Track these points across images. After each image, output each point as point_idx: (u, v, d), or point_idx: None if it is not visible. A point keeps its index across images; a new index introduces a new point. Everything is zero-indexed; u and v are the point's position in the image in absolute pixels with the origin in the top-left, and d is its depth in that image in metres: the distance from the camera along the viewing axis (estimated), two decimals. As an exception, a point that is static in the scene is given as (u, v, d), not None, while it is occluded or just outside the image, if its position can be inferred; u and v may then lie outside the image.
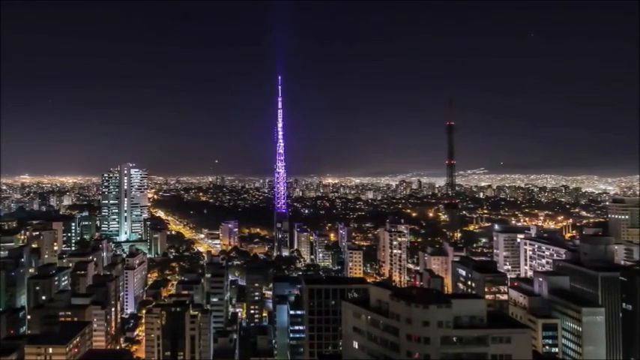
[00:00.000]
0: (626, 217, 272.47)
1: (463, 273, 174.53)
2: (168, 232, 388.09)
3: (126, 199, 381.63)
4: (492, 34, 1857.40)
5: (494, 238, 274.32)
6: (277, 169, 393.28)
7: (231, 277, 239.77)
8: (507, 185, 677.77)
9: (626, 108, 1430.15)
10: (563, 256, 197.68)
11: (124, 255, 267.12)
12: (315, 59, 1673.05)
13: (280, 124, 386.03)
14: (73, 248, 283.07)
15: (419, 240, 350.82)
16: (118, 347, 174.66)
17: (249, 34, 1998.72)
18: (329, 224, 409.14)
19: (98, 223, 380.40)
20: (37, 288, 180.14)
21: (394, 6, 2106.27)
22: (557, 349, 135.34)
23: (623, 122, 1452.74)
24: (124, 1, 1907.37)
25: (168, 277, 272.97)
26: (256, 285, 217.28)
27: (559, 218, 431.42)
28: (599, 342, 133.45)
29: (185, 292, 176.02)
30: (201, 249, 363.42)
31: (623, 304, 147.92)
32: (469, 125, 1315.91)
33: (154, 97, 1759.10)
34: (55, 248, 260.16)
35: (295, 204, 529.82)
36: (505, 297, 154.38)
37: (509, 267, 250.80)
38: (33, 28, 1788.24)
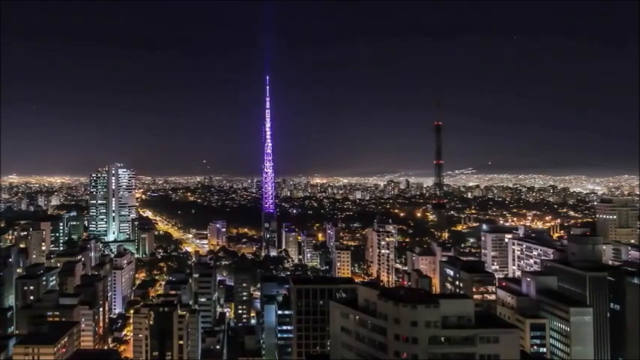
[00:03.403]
0: (614, 217, 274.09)
1: (451, 273, 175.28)
2: (156, 232, 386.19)
3: (114, 199, 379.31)
4: (481, 35, 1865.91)
5: (482, 238, 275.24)
6: (265, 169, 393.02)
7: (219, 277, 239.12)
8: (495, 185, 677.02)
9: (615, 108, 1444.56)
10: (551, 256, 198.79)
11: (112, 255, 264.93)
12: (303, 59, 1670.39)
13: (268, 124, 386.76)
14: (61, 248, 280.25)
15: (407, 240, 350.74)
16: (105, 347, 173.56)
17: (237, 35, 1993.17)
18: (317, 224, 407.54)
19: (86, 223, 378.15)
20: (25, 288, 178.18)
21: (381, 6, 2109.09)
22: (545, 349, 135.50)
23: (611, 122, 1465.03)
24: (111, 1, 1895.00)
25: (156, 277, 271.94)
26: (244, 285, 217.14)
27: (547, 218, 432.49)
28: (587, 342, 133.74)
29: (173, 292, 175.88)
30: (189, 249, 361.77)
31: (611, 304, 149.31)
32: (457, 125, 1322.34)
33: (142, 97, 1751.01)
34: (43, 248, 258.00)
35: (283, 204, 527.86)
36: (493, 297, 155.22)
37: (497, 267, 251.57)
38: (22, 27, 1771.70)
